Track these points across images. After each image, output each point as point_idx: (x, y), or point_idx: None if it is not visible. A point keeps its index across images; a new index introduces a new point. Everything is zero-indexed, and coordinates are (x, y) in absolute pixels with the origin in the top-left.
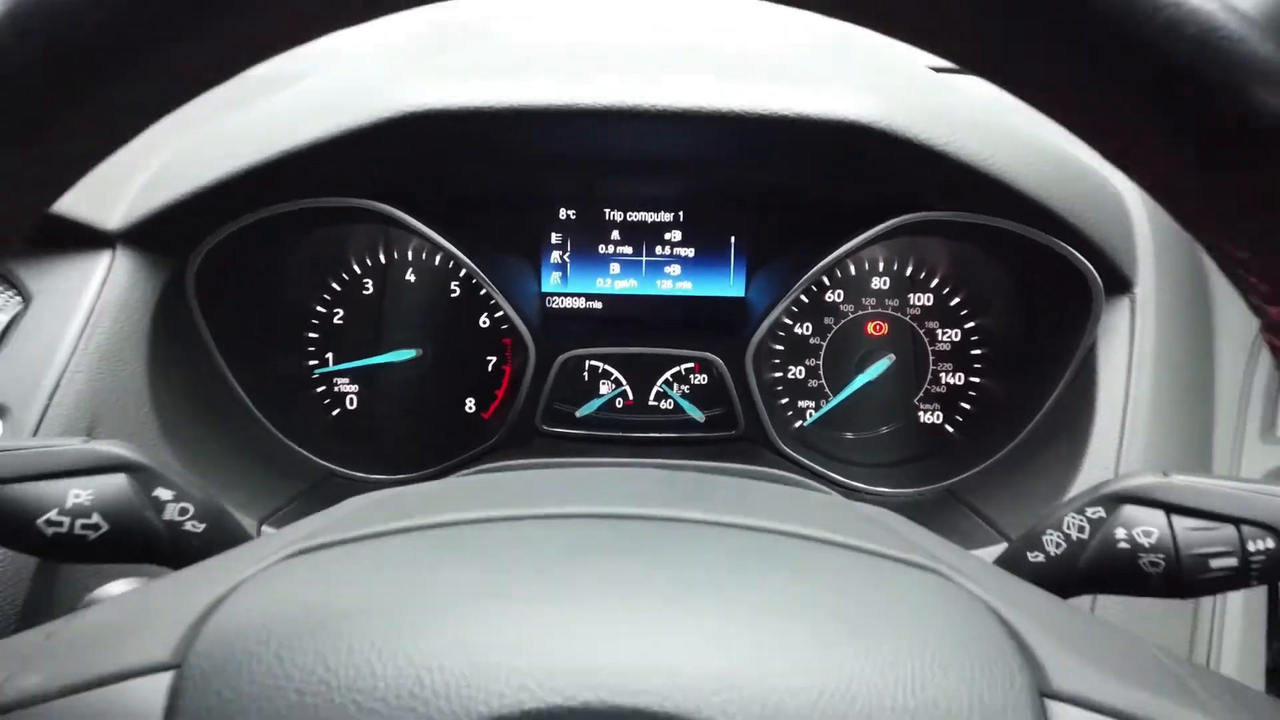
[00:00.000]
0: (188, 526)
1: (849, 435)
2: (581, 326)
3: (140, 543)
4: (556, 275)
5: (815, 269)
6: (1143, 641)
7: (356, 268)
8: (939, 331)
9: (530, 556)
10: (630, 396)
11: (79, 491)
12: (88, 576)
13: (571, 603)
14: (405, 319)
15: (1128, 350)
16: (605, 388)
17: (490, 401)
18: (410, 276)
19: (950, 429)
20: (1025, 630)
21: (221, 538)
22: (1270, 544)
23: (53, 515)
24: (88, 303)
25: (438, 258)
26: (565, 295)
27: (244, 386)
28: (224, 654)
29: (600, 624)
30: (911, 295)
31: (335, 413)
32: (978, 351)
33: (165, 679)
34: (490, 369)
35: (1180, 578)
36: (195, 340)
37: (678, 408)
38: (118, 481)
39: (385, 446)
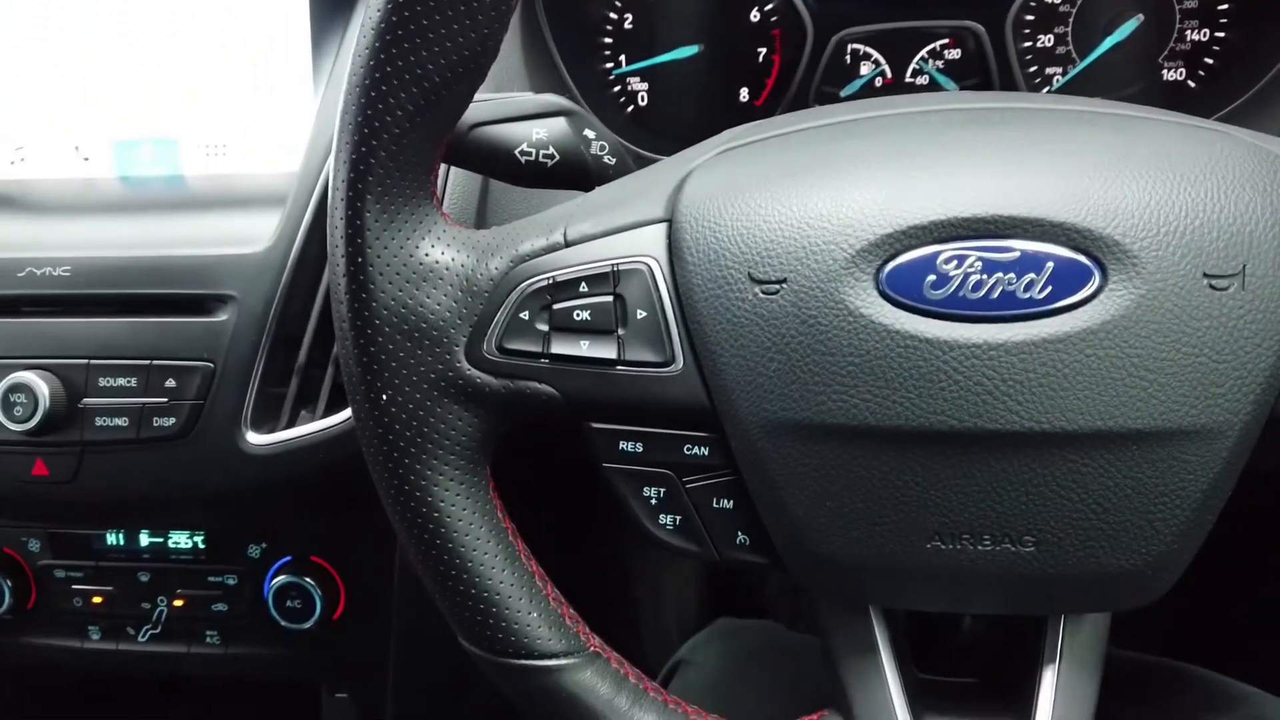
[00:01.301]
0: (605, 159)
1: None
2: (849, 9)
3: (578, 171)
4: None
5: None
6: None
7: None
8: None
9: (918, 134)
10: (889, 75)
11: (538, 130)
12: (500, 208)
13: (964, 159)
14: (684, 19)
15: None
16: (866, 68)
17: (762, 90)
18: None
19: (1192, 84)
20: None
21: (625, 170)
22: None
23: (524, 147)
24: None
25: None
26: None
27: (576, 84)
28: (697, 208)
29: (986, 172)
30: None
31: (630, 109)
32: (1225, 6)
33: (662, 228)
34: (760, 60)
35: None
36: (543, 42)
37: (933, 83)
38: (560, 123)
39: (677, 134)
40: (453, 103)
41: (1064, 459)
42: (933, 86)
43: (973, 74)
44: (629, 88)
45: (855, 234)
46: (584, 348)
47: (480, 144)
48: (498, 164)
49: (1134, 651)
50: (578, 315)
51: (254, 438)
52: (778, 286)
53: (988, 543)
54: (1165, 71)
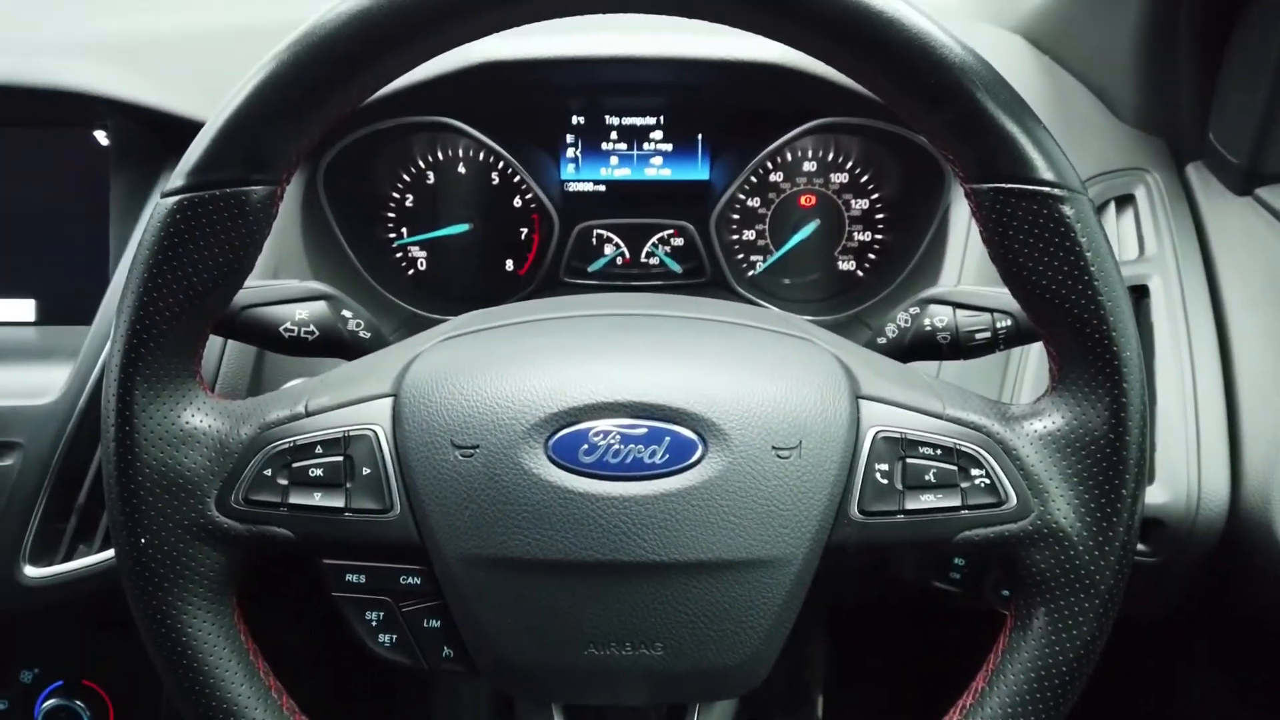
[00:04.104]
0: (361, 334)
1: (786, 280)
2: (591, 204)
3: (335, 344)
4: (571, 166)
5: (759, 157)
6: (920, 372)
7: (420, 163)
8: (853, 201)
9: (587, 334)
10: (627, 256)
11: (300, 311)
12: (275, 370)
13: (614, 356)
14: (458, 201)
15: (968, 213)
16: (609, 249)
17: (524, 262)
18: (461, 169)
19: (860, 274)
20: (850, 364)
21: (379, 342)
22: (1009, 323)
23: (288, 325)
24: None
25: (481, 154)
26: (579, 181)
27: (354, 253)
28: (417, 387)
29: (629, 368)
30: (832, 175)
31: (411, 273)
32: (881, 216)
33: (389, 401)
34: (523, 237)
35: (958, 345)
36: (325, 222)
37: (662, 263)
38: (320, 305)
39: (449, 296)
40: (212, 304)
41: (679, 582)
42: (662, 267)
43: (692, 259)
44: (409, 255)
45: (530, 413)
46: (317, 499)
47: (250, 322)
48: (265, 339)
49: None
50: (312, 472)
51: (31, 570)
52: (473, 451)
53: (629, 648)
54: (840, 263)
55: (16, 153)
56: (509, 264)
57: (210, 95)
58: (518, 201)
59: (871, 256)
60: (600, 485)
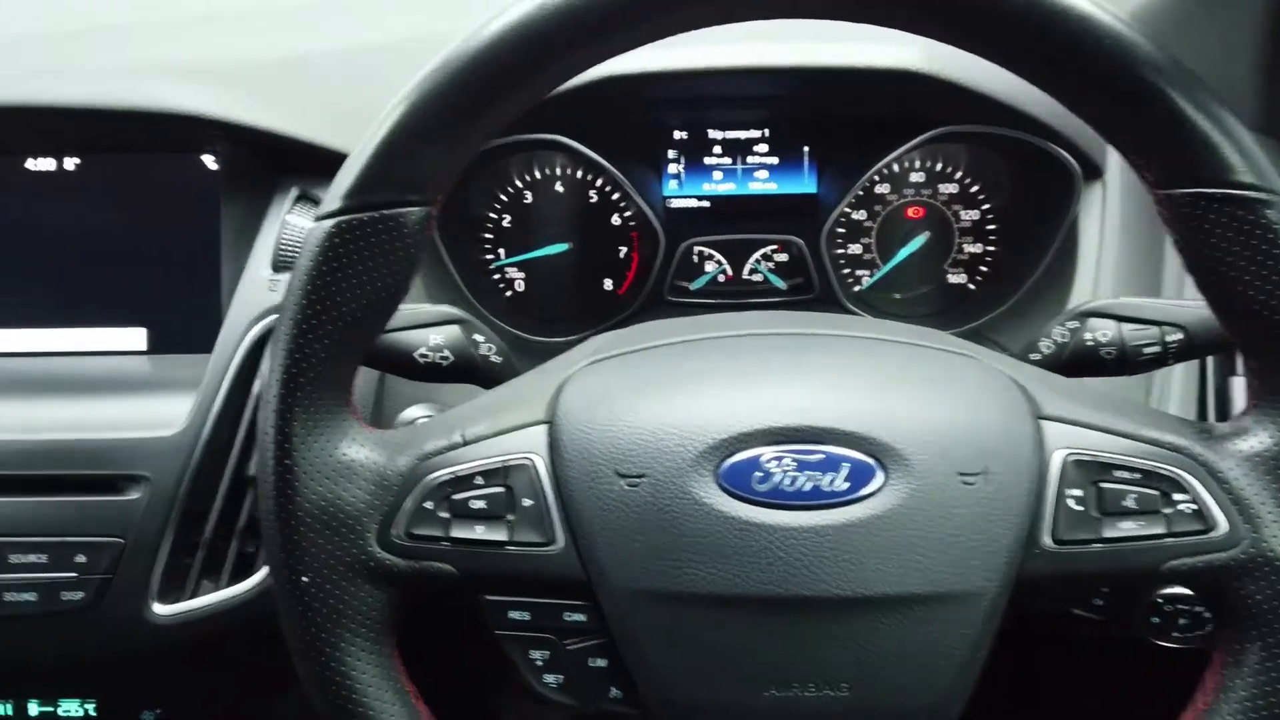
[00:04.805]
0: (492, 358)
1: (896, 295)
2: (694, 220)
3: (468, 368)
4: (674, 182)
5: (873, 169)
6: (1100, 390)
7: (518, 183)
8: (963, 212)
9: (745, 356)
10: (730, 273)
11: (435, 336)
12: (393, 397)
13: (778, 378)
14: (556, 221)
15: (1100, 222)
16: (710, 267)
17: (623, 281)
18: (559, 187)
19: (972, 287)
20: (1026, 383)
21: (510, 366)
22: (1180, 336)
23: (423, 350)
24: None
25: (579, 172)
26: (681, 197)
27: (457, 274)
28: (573, 412)
29: (796, 390)
30: (941, 185)
31: (508, 294)
32: (992, 227)
33: (543, 428)
34: (622, 256)
35: (1125, 360)
36: (433, 246)
37: (765, 280)
38: (454, 330)
39: (548, 317)
40: (368, 333)
41: (866, 618)
42: (765, 283)
43: (797, 274)
44: (507, 276)
45: (699, 439)
46: (479, 532)
47: (385, 348)
48: (400, 365)
49: None
50: (474, 504)
51: (160, 608)
52: (639, 480)
53: (812, 689)
54: (949, 276)
55: (124, 178)
56: (608, 283)
57: (323, 118)
58: (616, 219)
59: (983, 269)
60: (777, 515)
